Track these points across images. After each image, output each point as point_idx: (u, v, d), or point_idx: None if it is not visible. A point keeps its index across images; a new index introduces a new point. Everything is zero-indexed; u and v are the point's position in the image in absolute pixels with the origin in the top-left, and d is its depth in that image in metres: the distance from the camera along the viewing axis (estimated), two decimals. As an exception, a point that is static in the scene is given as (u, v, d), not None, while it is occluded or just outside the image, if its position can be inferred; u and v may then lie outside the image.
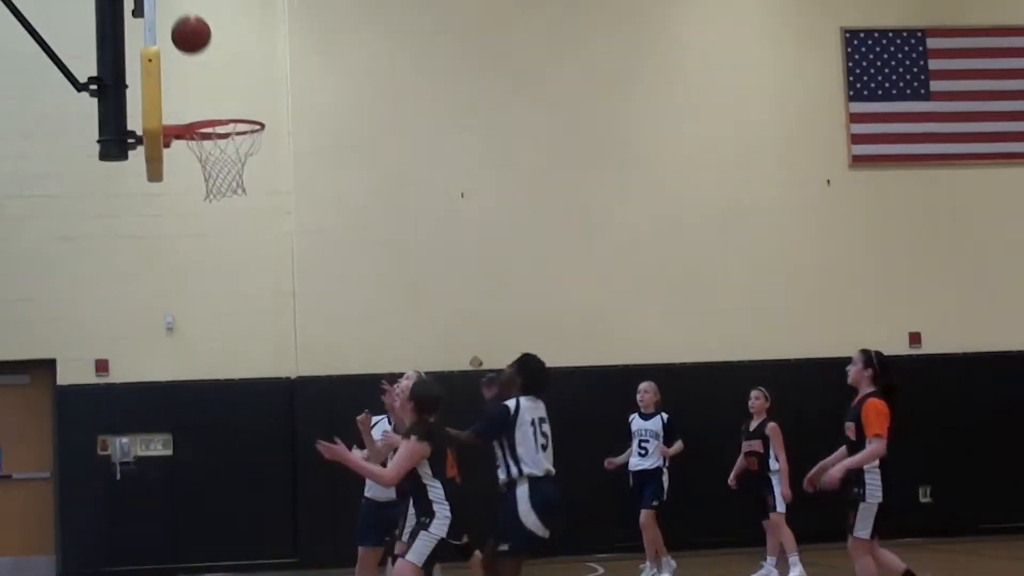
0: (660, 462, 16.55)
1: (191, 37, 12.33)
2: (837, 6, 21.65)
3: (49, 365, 19.76)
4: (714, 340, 20.61)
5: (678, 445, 16.61)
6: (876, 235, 21.38)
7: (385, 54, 20.55)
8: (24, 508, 19.92)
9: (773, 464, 16.19)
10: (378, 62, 20.51)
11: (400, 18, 20.69)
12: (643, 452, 16.53)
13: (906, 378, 19.57)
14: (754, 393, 16.36)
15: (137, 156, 13.73)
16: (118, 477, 19.48)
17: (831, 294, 21.12)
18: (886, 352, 20.51)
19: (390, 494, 11.86)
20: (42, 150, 19.74)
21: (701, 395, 19.79)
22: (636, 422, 16.70)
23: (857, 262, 21.28)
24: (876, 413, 11.84)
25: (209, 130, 14.08)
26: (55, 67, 13.04)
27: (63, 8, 17.62)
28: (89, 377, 19.66)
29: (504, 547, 10.98)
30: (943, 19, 21.83)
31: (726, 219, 20.99)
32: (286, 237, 20.16)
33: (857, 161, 21.45)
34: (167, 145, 13.61)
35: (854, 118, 21.47)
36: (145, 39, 12.88)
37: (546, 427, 11.39)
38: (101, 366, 19.70)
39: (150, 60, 12.72)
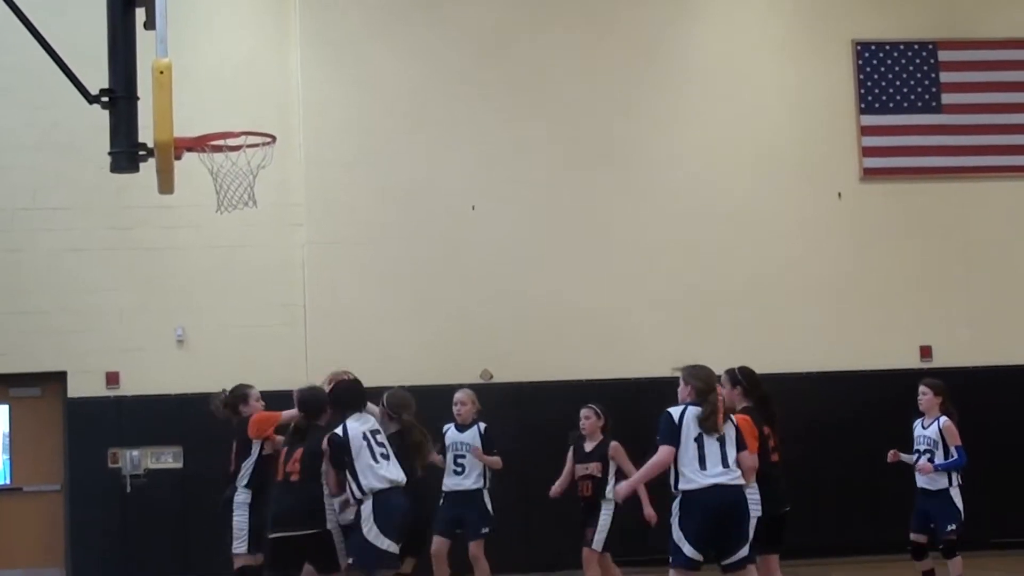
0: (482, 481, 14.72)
1: None
2: (848, 18, 21.62)
3: (60, 378, 19.77)
4: (724, 352, 20.51)
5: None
6: (887, 248, 21.33)
7: (397, 66, 20.54)
8: (34, 520, 19.92)
9: (609, 491, 14.20)
10: (390, 74, 20.51)
11: (412, 31, 20.69)
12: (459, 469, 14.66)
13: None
14: (584, 412, 14.70)
15: (148, 168, 13.74)
16: (128, 489, 19.48)
17: (841, 307, 21.08)
18: (897, 366, 20.74)
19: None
20: (54, 161, 19.77)
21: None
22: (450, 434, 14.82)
23: (868, 275, 21.24)
24: (744, 431, 10.71)
25: (221, 142, 14.10)
26: (66, 78, 13.05)
27: (74, 20, 17.65)
28: (100, 390, 19.67)
29: (350, 560, 11.20)
30: (955, 32, 21.80)
31: (737, 231, 20.96)
32: (297, 249, 20.16)
33: (868, 174, 21.42)
34: (178, 157, 13.62)
35: (865, 131, 21.44)
36: (157, 51, 12.90)
37: (380, 437, 11.55)
38: (112, 378, 19.71)
39: (161, 72, 12.73)
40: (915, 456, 14.91)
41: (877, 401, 20.42)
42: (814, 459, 19.48)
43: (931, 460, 14.68)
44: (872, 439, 20.68)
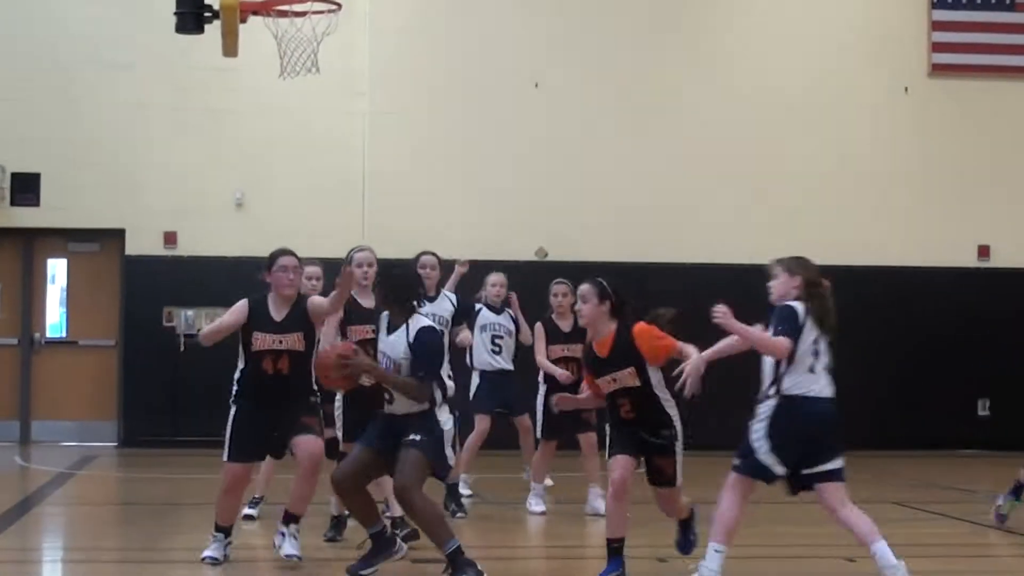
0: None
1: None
2: (926, -91, 21.34)
3: (119, 235, 19.93)
4: (782, 242, 20.45)
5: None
6: (951, 146, 21.17)
7: (465, -61, 20.45)
8: (89, 374, 20.19)
9: None
10: (458, -54, 20.42)
11: (481, -99, 20.56)
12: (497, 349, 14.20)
13: (972, 291, 19.53)
14: (561, 288, 13.44)
15: (213, 30, 13.77)
16: (182, 349, 19.68)
17: (902, 202, 20.98)
18: (954, 263, 20.67)
19: None
20: (119, 17, 19.79)
21: (765, 297, 19.76)
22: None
23: (930, 172, 21.10)
24: (653, 334, 9.44)
25: (286, 7, 14.13)
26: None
27: None
28: (158, 249, 19.83)
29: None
30: (1033, -72, 21.48)
31: (800, 120, 20.84)
32: (359, 117, 20.16)
33: (936, 70, 21.20)
34: (243, 20, 13.66)
35: (936, 26, 21.18)
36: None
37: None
38: (169, 238, 19.84)
39: (230, -66, 12.72)
40: None
41: (933, 297, 20.40)
42: (865, 355, 19.47)
43: None
44: (926, 336, 20.71)
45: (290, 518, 10.01)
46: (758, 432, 8.90)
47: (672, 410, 9.45)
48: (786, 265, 9.32)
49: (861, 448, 18.48)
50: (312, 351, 10.00)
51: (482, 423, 14.11)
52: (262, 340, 9.94)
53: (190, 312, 19.72)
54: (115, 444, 19.85)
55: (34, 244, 20.24)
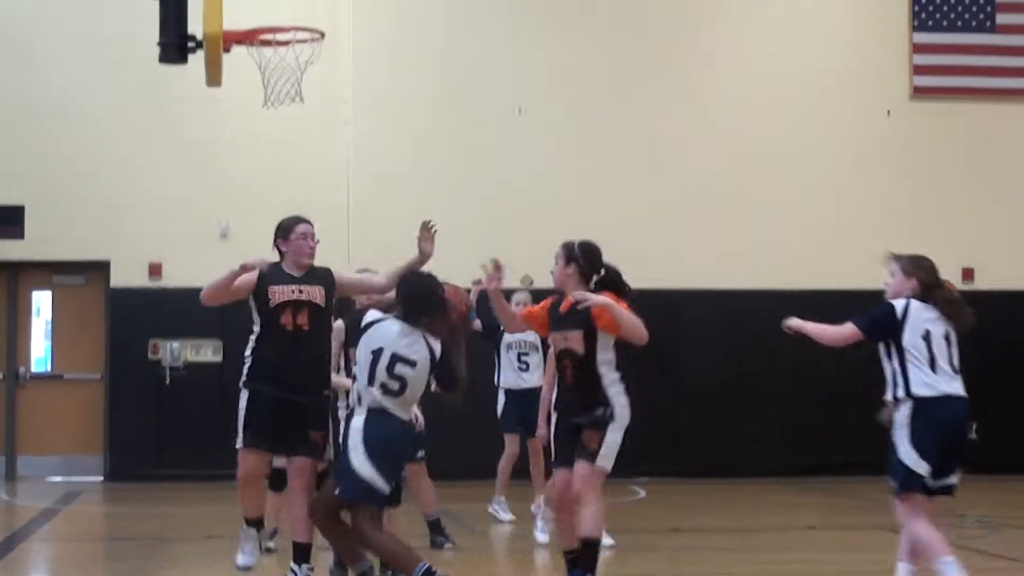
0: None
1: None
2: (905, -67, 21.41)
3: (103, 267, 19.89)
4: (765, 269, 20.53)
5: None
6: (933, 168, 21.21)
7: (447, -35, 20.49)
8: (74, 408, 20.12)
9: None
10: (440, -26, 20.44)
11: (462, -71, 20.60)
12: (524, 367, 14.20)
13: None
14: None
15: (197, 60, 13.76)
16: (168, 381, 19.63)
17: (885, 225, 20.95)
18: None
19: None
20: (102, 50, 19.76)
21: (748, 321, 19.80)
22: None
23: (913, 194, 21.13)
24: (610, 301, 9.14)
25: (269, 36, 14.13)
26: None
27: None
28: (143, 280, 19.79)
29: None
30: (1013, -50, 21.57)
31: (783, 145, 20.88)
32: (343, 146, 20.15)
33: (918, 92, 21.25)
34: (227, 50, 13.65)
35: (917, 48, 21.25)
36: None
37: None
38: (155, 270, 19.82)
39: (212, -36, 12.71)
40: None
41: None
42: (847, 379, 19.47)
43: None
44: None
45: (299, 553, 9.44)
46: (900, 441, 8.78)
47: (616, 394, 9.22)
48: (902, 265, 9.25)
49: (848, 473, 18.65)
50: (330, 314, 9.68)
51: (511, 444, 13.99)
52: (280, 292, 9.60)
53: (176, 344, 19.68)
54: (101, 478, 19.77)
55: (18, 277, 20.18)
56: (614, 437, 9.15)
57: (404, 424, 8.98)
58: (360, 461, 8.76)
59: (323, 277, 9.83)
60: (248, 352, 9.62)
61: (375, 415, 8.85)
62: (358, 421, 8.88)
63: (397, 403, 8.89)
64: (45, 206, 19.69)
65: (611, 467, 9.12)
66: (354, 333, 9.54)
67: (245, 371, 9.63)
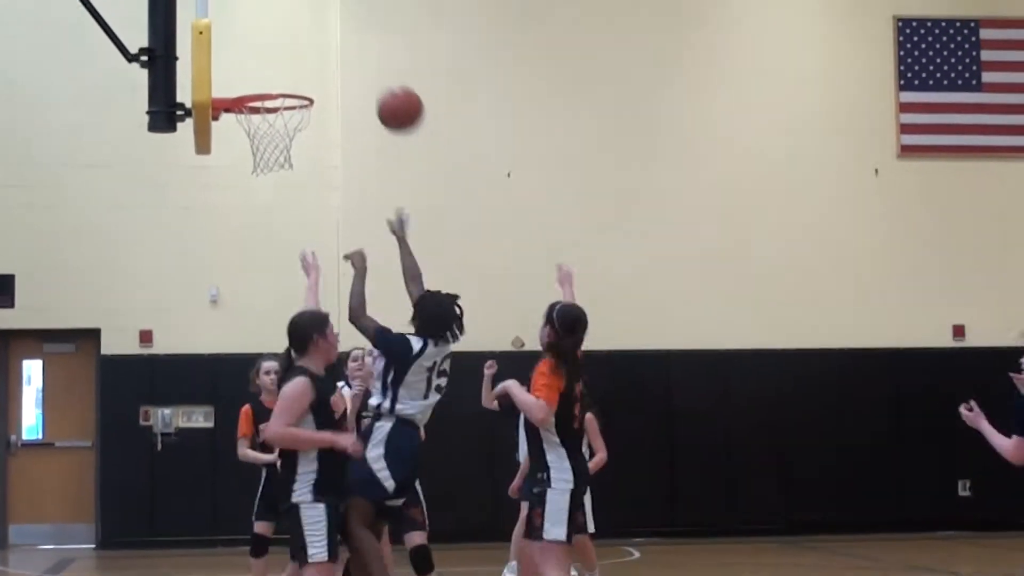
0: None
1: (401, 109, 10.46)
2: (890, -6, 21.55)
3: (94, 335, 19.88)
4: (754, 327, 20.55)
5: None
6: (922, 226, 21.26)
7: (436, 30, 20.54)
8: (65, 476, 20.06)
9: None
10: (428, 39, 20.50)
11: (451, -3, 20.71)
12: None
13: (949, 371, 19.54)
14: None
15: (186, 127, 13.79)
16: (159, 448, 19.59)
17: (875, 284, 21.02)
18: (929, 345, 20.71)
19: None
20: (92, 119, 19.83)
21: (741, 380, 19.82)
22: None
23: (902, 253, 21.17)
24: (538, 370, 9.53)
25: (258, 104, 14.15)
26: (106, 37, 13.09)
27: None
28: (133, 347, 19.77)
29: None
30: (996, 10, 21.68)
31: (771, 204, 20.92)
32: (333, 212, 20.18)
33: (906, 151, 21.34)
34: (216, 118, 13.67)
35: (904, 107, 21.35)
36: (197, 11, 12.93)
37: (442, 380, 10.63)
38: (145, 337, 19.81)
39: (201, 32, 12.79)
40: None
41: (909, 380, 20.41)
42: (845, 436, 19.48)
43: None
44: (903, 417, 20.73)
45: None
46: None
47: (556, 458, 9.24)
48: None
49: (840, 531, 18.60)
50: None
51: (524, 510, 13.91)
52: (336, 401, 9.65)
53: (167, 411, 19.65)
54: (93, 546, 19.69)
55: (9, 346, 20.16)
56: (555, 503, 9.15)
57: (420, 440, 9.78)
58: (376, 456, 9.46)
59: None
60: (313, 467, 8.87)
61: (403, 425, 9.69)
62: (386, 426, 9.64)
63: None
64: (35, 275, 19.70)
65: (564, 532, 9.09)
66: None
67: (313, 483, 8.79)
